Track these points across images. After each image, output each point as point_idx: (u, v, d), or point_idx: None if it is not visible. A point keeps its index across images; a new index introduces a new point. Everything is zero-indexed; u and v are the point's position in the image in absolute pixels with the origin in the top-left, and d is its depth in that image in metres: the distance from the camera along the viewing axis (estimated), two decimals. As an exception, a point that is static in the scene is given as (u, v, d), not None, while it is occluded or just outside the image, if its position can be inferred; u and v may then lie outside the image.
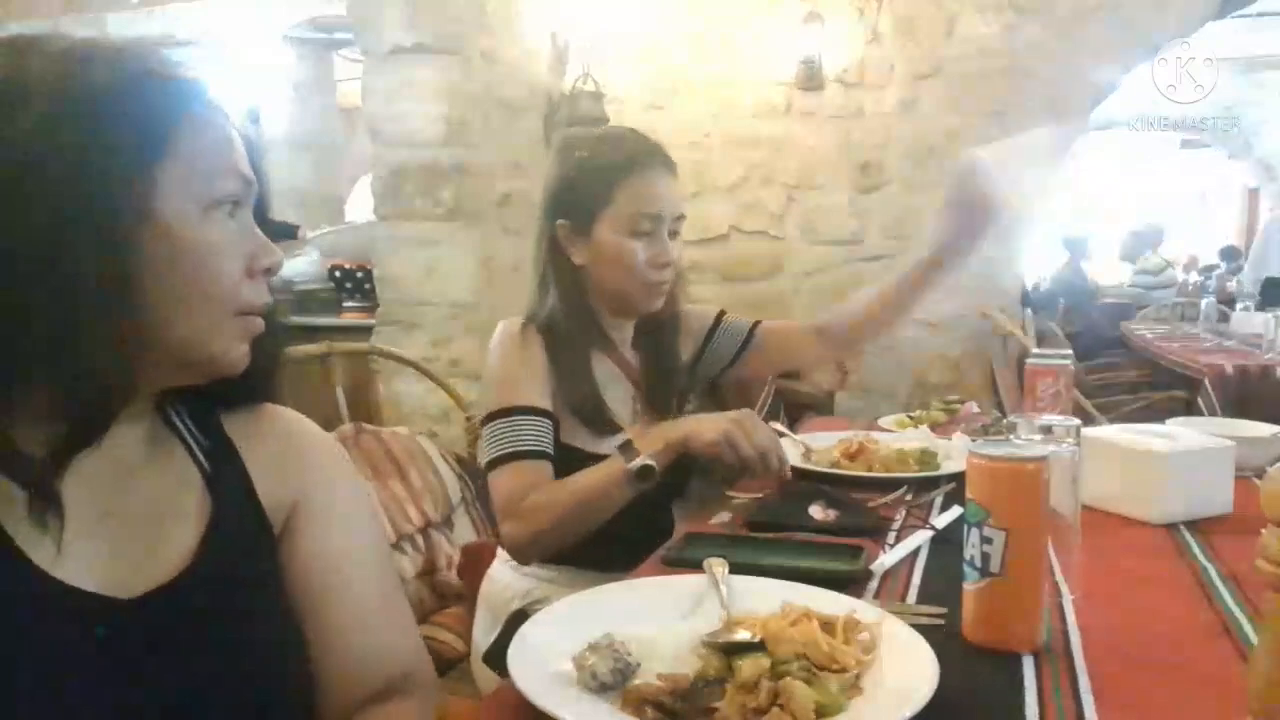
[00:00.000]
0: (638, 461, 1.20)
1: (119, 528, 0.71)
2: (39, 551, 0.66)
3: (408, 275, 3.37)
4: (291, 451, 0.83)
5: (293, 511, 0.81)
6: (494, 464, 1.28)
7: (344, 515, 0.84)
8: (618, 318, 1.42)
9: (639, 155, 1.36)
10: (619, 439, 1.29)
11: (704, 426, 1.22)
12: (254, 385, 0.80)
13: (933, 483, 1.38)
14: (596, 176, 1.34)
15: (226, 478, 0.78)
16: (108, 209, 0.64)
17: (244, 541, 0.77)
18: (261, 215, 0.76)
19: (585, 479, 1.24)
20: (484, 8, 3.54)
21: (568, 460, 1.29)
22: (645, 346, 1.47)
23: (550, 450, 1.28)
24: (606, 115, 3.96)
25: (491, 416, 1.30)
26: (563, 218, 1.35)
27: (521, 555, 1.29)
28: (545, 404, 1.31)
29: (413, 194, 3.32)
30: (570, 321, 1.35)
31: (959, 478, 1.19)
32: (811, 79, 4.11)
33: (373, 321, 3.49)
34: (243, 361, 0.74)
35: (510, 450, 1.26)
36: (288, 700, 0.75)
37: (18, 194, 0.63)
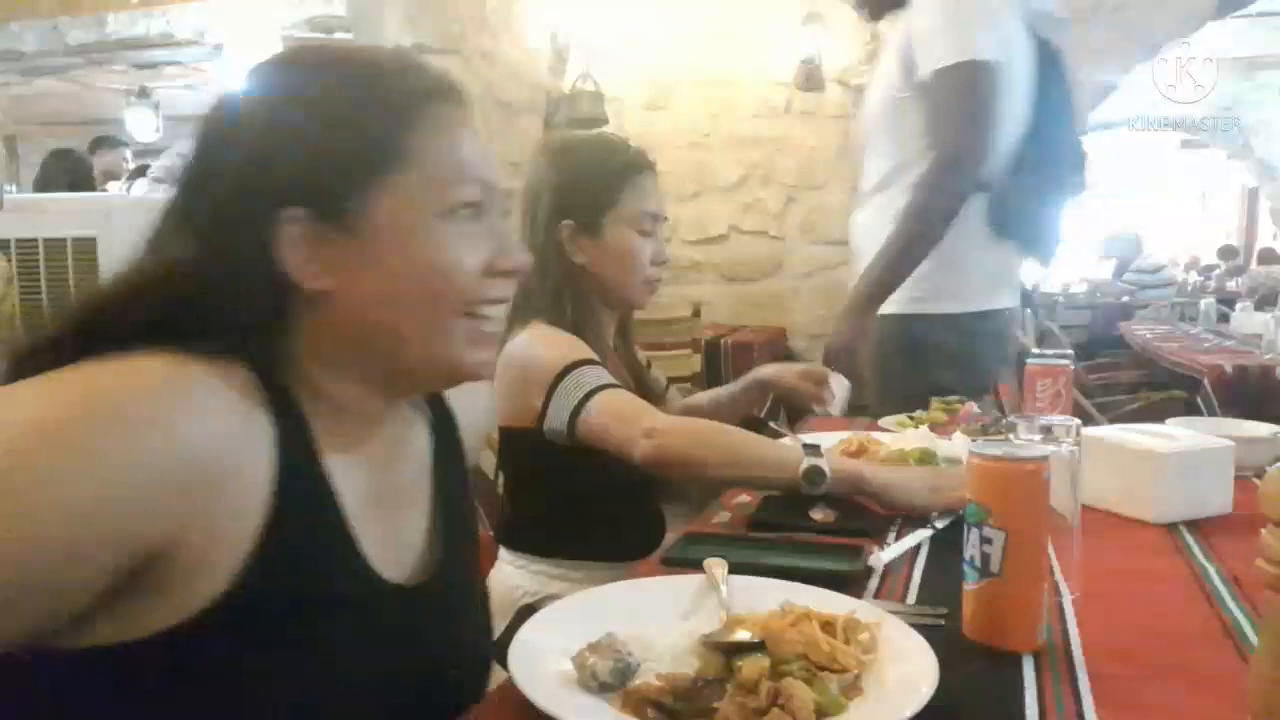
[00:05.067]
0: (812, 460, 1.16)
1: (386, 510, 0.74)
2: (366, 542, 0.70)
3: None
4: (475, 416, 0.90)
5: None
6: (590, 395, 1.26)
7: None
8: (608, 316, 1.46)
9: (638, 158, 1.43)
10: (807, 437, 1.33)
11: (908, 493, 1.17)
12: None
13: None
14: (602, 178, 1.40)
15: (449, 451, 0.83)
16: (332, 208, 0.66)
17: (463, 530, 0.84)
18: None
19: (755, 439, 1.24)
20: (484, 8, 3.55)
21: (587, 456, 1.30)
22: (619, 346, 1.50)
23: None
24: (606, 115, 3.96)
25: (566, 370, 1.29)
26: (567, 218, 1.37)
27: (655, 460, 1.22)
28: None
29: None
30: (588, 322, 1.39)
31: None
32: (811, 79, 4.11)
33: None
34: (484, 372, 0.74)
35: (606, 382, 1.28)
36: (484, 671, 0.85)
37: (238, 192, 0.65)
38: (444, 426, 0.84)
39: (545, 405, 1.29)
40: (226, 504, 0.61)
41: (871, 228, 1.89)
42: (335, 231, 0.66)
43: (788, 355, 4.30)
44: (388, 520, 0.74)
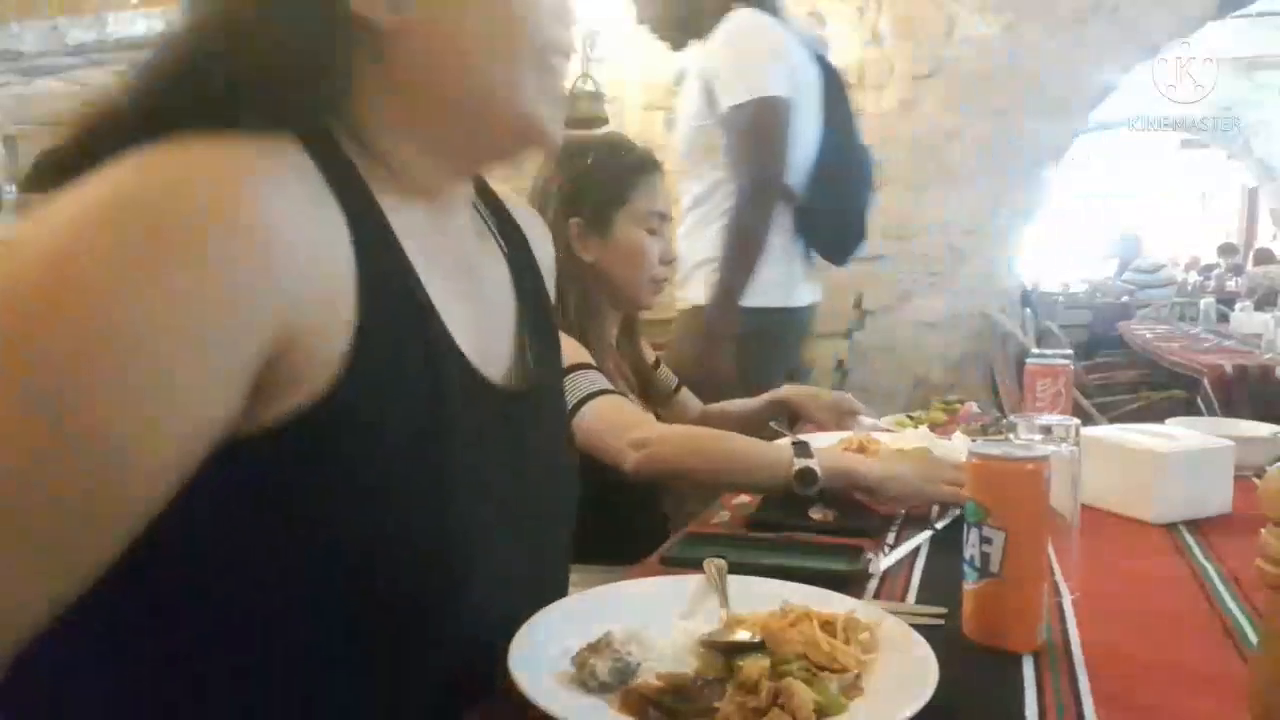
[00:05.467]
0: (803, 462, 1.17)
1: (476, 308, 0.73)
2: (461, 339, 0.68)
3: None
4: (545, 246, 0.89)
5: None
6: (585, 400, 1.26)
7: None
8: (613, 314, 1.46)
9: (646, 158, 1.46)
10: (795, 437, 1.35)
11: (902, 485, 1.20)
12: None
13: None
14: (612, 177, 1.42)
15: (523, 263, 0.83)
16: None
17: (547, 342, 0.83)
18: None
19: (746, 443, 1.25)
20: (484, 8, 3.54)
21: (587, 457, 1.31)
22: (623, 346, 1.51)
23: None
24: (606, 115, 3.96)
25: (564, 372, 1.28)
26: (576, 216, 1.39)
27: (646, 472, 1.24)
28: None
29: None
30: (591, 320, 1.39)
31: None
32: (811, 79, 4.11)
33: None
34: (558, 126, 0.71)
35: (600, 388, 1.28)
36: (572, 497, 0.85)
37: None
38: (517, 249, 0.83)
39: None
40: (318, 312, 0.57)
41: (692, 241, 2.15)
42: None
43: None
44: (479, 322, 0.72)
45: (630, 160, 1.43)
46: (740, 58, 1.96)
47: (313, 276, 0.56)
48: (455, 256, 0.72)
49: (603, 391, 1.28)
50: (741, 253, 2.00)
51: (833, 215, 2.14)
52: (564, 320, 1.38)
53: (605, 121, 3.95)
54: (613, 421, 1.24)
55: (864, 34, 4.11)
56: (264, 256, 0.53)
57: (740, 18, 1.98)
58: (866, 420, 1.62)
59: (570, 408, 1.26)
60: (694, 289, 2.10)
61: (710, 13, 1.99)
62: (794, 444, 1.22)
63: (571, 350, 1.32)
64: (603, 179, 1.41)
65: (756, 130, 1.94)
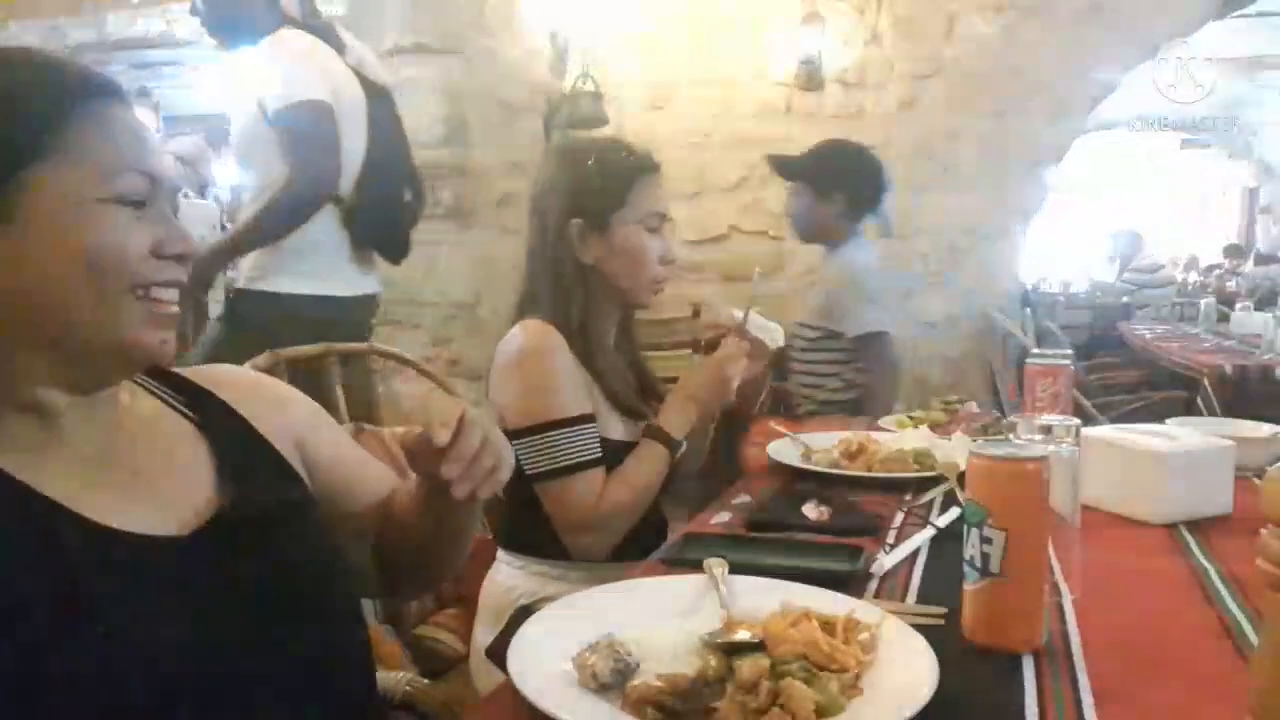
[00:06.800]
0: (680, 445, 1.39)
1: (133, 477, 0.75)
2: (83, 506, 0.69)
3: (407, 275, 3.36)
4: (260, 391, 0.91)
5: (300, 442, 0.89)
6: (559, 473, 1.32)
7: (320, 414, 0.96)
8: (613, 315, 1.47)
9: (646, 159, 1.45)
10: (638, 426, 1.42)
11: (712, 389, 1.43)
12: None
13: (932, 482, 1.38)
14: (612, 178, 1.42)
15: (218, 421, 0.83)
16: None
17: (263, 473, 0.83)
18: None
19: (639, 472, 1.37)
20: (484, 8, 3.54)
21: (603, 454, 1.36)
22: (622, 346, 1.51)
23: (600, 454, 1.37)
24: (606, 115, 3.96)
25: (546, 427, 1.33)
26: (577, 217, 1.39)
27: (597, 557, 1.36)
28: (589, 408, 1.36)
29: (412, 194, 3.32)
30: (596, 319, 1.42)
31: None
32: (811, 79, 4.11)
33: (372, 321, 3.49)
34: (166, 350, 0.74)
35: (577, 461, 1.33)
36: (338, 603, 0.83)
37: None
38: (207, 413, 0.84)
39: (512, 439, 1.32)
40: None
41: None
42: None
43: (787, 355, 4.30)
44: (142, 488, 0.75)
45: (630, 161, 1.43)
46: (281, 62, 2.19)
47: None
48: (98, 445, 0.74)
49: (578, 467, 1.33)
50: (256, 231, 2.19)
51: (378, 215, 2.36)
52: (564, 321, 1.38)
53: (605, 121, 3.95)
54: (575, 505, 1.34)
55: (864, 34, 4.11)
56: None
57: (289, 34, 2.22)
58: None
59: (541, 471, 1.33)
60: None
61: (262, 26, 2.23)
62: (649, 433, 1.40)
63: (555, 400, 1.34)
64: (603, 180, 1.41)
65: (299, 128, 2.14)
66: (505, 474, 0.82)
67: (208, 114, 5.28)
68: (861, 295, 2.37)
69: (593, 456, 1.34)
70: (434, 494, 0.83)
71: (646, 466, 1.38)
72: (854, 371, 2.38)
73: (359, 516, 0.94)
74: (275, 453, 0.85)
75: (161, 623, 0.68)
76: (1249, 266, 7.82)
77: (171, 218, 0.75)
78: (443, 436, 0.77)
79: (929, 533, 1.13)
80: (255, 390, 0.91)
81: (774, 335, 1.51)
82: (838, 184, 2.48)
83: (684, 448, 1.41)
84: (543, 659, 0.75)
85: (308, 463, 0.90)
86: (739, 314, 1.49)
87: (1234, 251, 9.01)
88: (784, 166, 2.61)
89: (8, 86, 0.70)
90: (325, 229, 2.25)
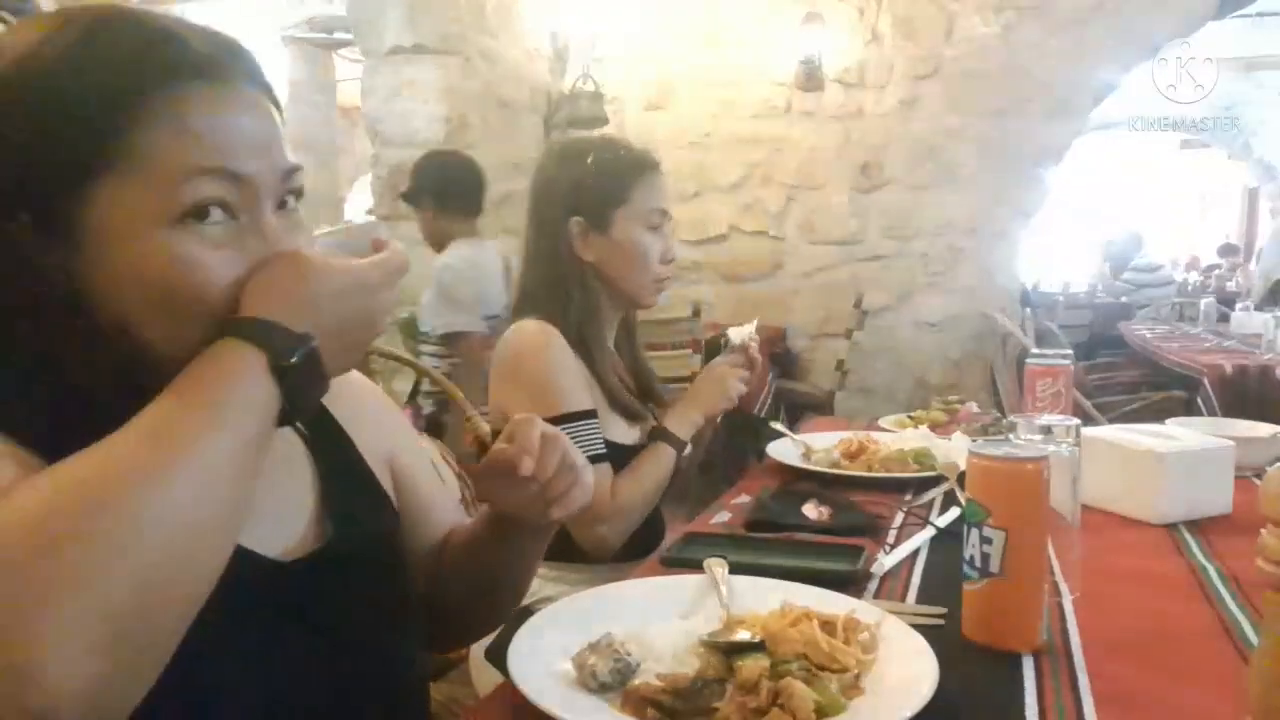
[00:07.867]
0: (678, 446, 1.40)
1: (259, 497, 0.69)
2: None
3: (408, 275, 3.37)
4: (364, 402, 0.86)
5: (391, 460, 0.86)
6: None
7: (410, 432, 0.94)
8: (614, 315, 1.46)
9: (645, 158, 1.45)
10: (645, 427, 1.44)
11: (716, 400, 1.44)
12: None
13: (932, 482, 1.38)
14: (612, 177, 1.41)
15: (326, 442, 0.79)
16: (44, 209, 0.59)
17: (364, 504, 0.79)
18: None
19: (648, 471, 1.38)
20: (484, 8, 3.54)
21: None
22: (622, 346, 1.51)
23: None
24: (606, 115, 3.96)
25: (552, 423, 1.30)
26: (577, 215, 1.38)
27: (607, 552, 1.35)
28: (591, 404, 1.36)
29: (412, 194, 3.32)
30: (595, 319, 1.41)
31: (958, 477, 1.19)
32: (811, 79, 4.11)
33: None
34: None
35: (587, 455, 1.29)
36: (416, 637, 0.81)
37: None
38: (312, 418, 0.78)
39: None
40: None
41: None
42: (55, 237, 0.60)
43: (787, 355, 4.31)
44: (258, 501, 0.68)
45: (630, 159, 1.43)
46: None
47: None
48: None
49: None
50: None
51: None
52: (564, 321, 1.38)
53: (605, 122, 3.95)
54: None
55: (864, 34, 4.12)
56: None
57: None
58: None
59: None
60: None
61: None
62: (656, 435, 1.41)
63: (558, 397, 1.32)
64: (603, 179, 1.41)
65: None
66: (583, 495, 0.77)
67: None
68: (446, 297, 2.61)
69: (600, 451, 1.33)
70: (508, 524, 0.79)
71: (655, 466, 1.39)
72: (450, 367, 2.60)
73: (419, 554, 0.86)
74: (374, 480, 0.82)
75: (248, 647, 0.65)
76: (1252, 265, 7.82)
77: (274, 230, 0.63)
78: (528, 466, 0.70)
79: (929, 533, 1.13)
80: (361, 402, 0.85)
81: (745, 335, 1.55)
82: (421, 191, 2.77)
83: (689, 450, 1.43)
84: (542, 659, 0.74)
85: (395, 483, 0.85)
86: (741, 334, 1.51)
87: (1228, 251, 9.01)
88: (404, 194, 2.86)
89: (82, 68, 0.59)
90: None
